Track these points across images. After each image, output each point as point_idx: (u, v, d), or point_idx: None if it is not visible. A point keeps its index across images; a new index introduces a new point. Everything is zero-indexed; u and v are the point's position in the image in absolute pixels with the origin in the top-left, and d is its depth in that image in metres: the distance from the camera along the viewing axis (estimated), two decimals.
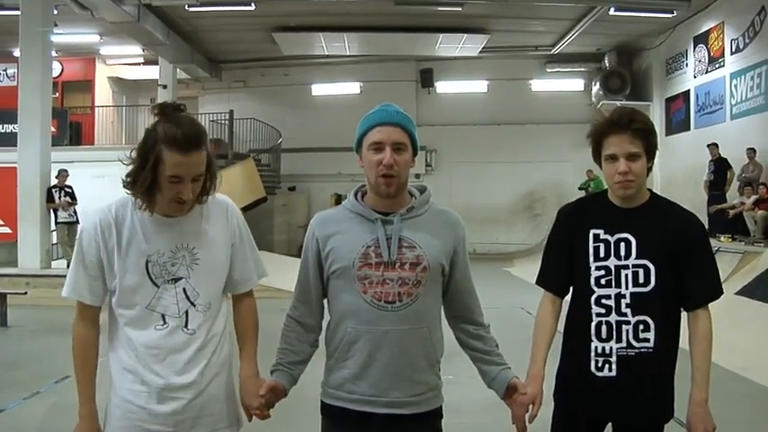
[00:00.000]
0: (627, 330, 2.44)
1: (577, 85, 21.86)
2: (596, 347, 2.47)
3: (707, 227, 14.05)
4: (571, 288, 2.64)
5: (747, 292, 9.19)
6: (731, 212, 13.64)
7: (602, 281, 2.48)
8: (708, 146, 14.81)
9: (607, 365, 2.46)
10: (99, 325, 2.37)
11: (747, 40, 14.76)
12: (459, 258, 2.49)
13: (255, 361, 2.49)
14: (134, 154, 2.24)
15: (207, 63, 20.95)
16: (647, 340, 2.43)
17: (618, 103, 18.91)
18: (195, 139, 2.22)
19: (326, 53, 19.87)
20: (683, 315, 2.52)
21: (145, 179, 2.21)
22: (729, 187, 14.34)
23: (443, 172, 21.46)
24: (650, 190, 2.57)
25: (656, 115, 19.49)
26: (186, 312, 2.31)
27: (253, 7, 15.33)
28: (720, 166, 14.46)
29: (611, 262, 2.47)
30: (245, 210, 15.32)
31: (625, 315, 2.44)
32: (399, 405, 2.36)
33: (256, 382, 2.41)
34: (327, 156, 20.09)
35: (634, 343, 2.43)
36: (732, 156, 14.38)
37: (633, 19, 16.74)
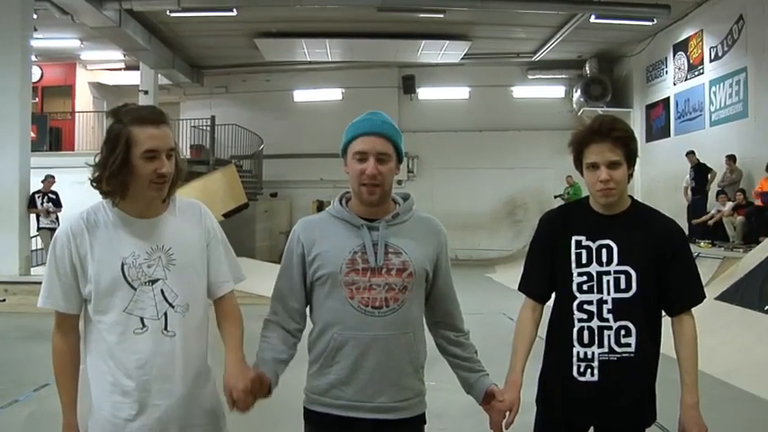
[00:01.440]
0: (609, 335, 2.45)
1: (558, 91, 21.97)
2: (578, 352, 2.49)
3: (687, 233, 14.18)
4: (553, 294, 2.65)
5: (727, 296, 9.25)
6: (710, 222, 13.77)
7: (584, 287, 2.49)
8: (686, 154, 14.94)
9: (589, 370, 2.48)
10: (78, 333, 2.34)
11: (726, 48, 14.94)
12: (442, 265, 2.51)
13: (241, 349, 2.41)
14: (100, 153, 2.25)
15: (188, 69, 20.86)
16: (629, 345, 2.44)
17: (599, 110, 19.15)
18: (161, 114, 2.28)
19: (308, 59, 19.90)
20: (665, 321, 2.54)
21: (113, 164, 2.20)
22: (710, 187, 14.47)
23: (425, 178, 21.50)
24: (631, 197, 2.59)
25: (637, 122, 19.66)
26: (165, 314, 2.27)
27: (235, 13, 15.30)
28: (700, 171, 14.59)
29: (593, 268, 2.49)
30: (226, 216, 15.27)
31: (607, 320, 2.45)
32: (386, 410, 2.36)
33: (244, 367, 2.34)
34: (309, 162, 20.09)
35: (616, 348, 2.45)
36: (711, 162, 14.52)
37: (614, 27, 16.89)
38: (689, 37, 16.61)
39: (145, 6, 14.78)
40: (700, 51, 16.14)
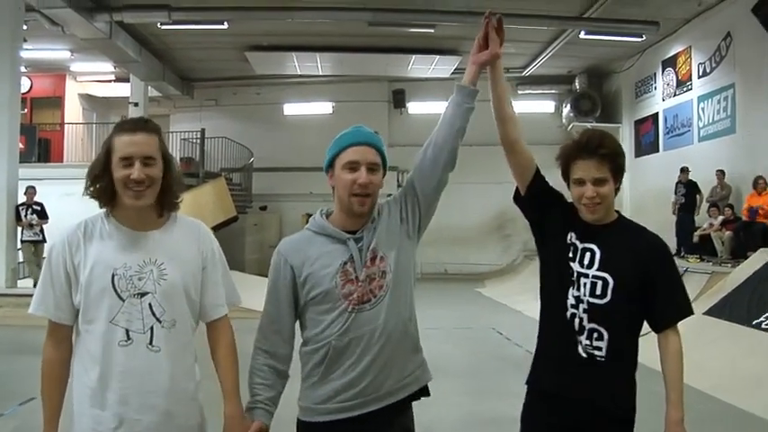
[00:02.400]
0: (585, 330, 2.50)
1: (548, 106, 22.07)
2: (573, 336, 2.52)
3: (676, 248, 14.26)
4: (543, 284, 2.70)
5: (715, 312, 9.29)
6: (697, 234, 13.84)
7: (571, 278, 2.55)
8: (681, 170, 14.97)
9: (584, 352, 2.51)
10: (70, 346, 2.33)
11: (714, 65, 15.07)
12: (406, 185, 2.61)
13: (239, 398, 2.41)
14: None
15: (179, 81, 20.86)
16: (600, 349, 2.48)
17: (588, 125, 19.24)
18: (142, 122, 2.32)
19: (299, 73, 19.91)
20: (645, 338, 2.57)
21: (96, 169, 2.27)
22: (699, 211, 14.54)
23: None
24: (617, 212, 2.63)
25: (626, 137, 19.77)
26: (151, 328, 2.26)
27: (226, 26, 15.33)
28: (691, 189, 14.65)
29: (576, 267, 2.55)
30: (215, 229, 15.23)
31: (582, 319, 2.50)
32: (395, 392, 2.41)
33: (242, 424, 2.35)
34: (299, 175, 20.05)
35: (589, 344, 2.49)
36: (700, 177, 14.60)
37: (603, 42, 16.98)
38: (677, 53, 16.76)
39: (136, 18, 14.78)
40: (688, 67, 16.29)
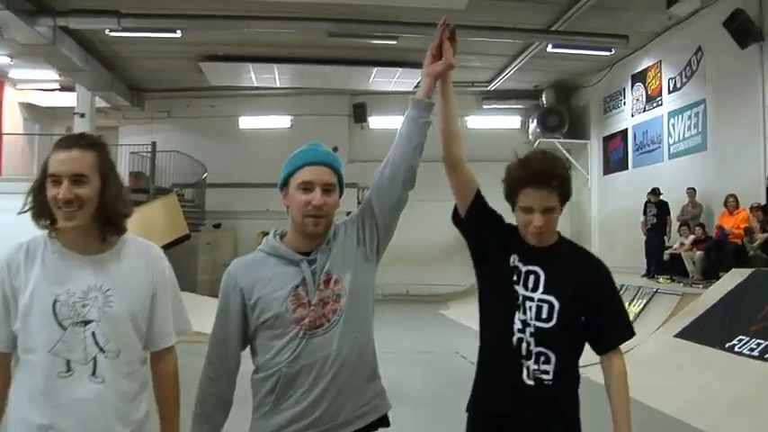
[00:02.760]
0: (533, 355, 2.55)
1: (514, 122, 22.30)
2: (519, 361, 2.56)
3: (646, 268, 14.44)
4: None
5: (686, 334, 9.41)
6: (667, 252, 14.02)
7: (517, 302, 2.59)
8: (650, 191, 15.04)
9: (529, 378, 2.55)
10: (9, 374, 2.27)
11: (684, 80, 15.36)
12: (364, 207, 2.59)
13: None
14: None
15: (128, 91, 20.64)
16: (547, 372, 2.53)
17: (556, 141, 19.49)
18: (78, 137, 2.26)
19: (256, 84, 19.87)
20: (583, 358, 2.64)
21: (33, 187, 2.23)
22: (670, 233, 14.71)
23: None
24: (558, 233, 2.70)
25: (594, 154, 20.06)
26: (94, 359, 2.21)
27: (179, 35, 15.21)
28: (662, 210, 14.82)
29: (521, 290, 2.59)
30: (166, 248, 15.01)
31: (529, 343, 2.54)
32: (352, 422, 2.38)
33: None
34: (255, 192, 19.92)
35: (537, 368, 2.54)
36: (670, 195, 14.80)
37: (571, 56, 17.21)
38: (647, 68, 17.05)
39: (82, 24, 14.55)
40: (658, 82, 16.57)
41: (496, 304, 2.63)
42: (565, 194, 2.57)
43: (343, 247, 2.48)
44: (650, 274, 14.32)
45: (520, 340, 2.54)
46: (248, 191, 20.65)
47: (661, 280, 13.18)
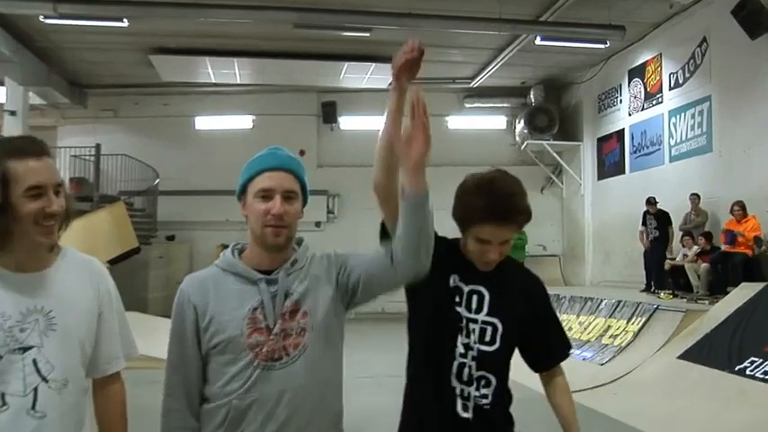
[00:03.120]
0: (474, 379, 2.65)
1: (500, 122, 22.40)
2: (458, 388, 2.64)
3: (645, 282, 14.51)
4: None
5: (691, 355, 9.42)
6: (668, 262, 14.10)
7: (459, 325, 2.67)
8: (646, 203, 15.15)
9: (466, 407, 2.65)
10: None
11: (688, 74, 15.46)
12: (347, 268, 2.50)
13: None
14: None
15: (68, 87, 20.35)
16: (486, 396, 2.66)
17: (545, 143, 19.60)
18: (41, 144, 2.21)
19: (213, 81, 19.76)
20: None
21: None
22: (672, 246, 14.79)
23: (348, 219, 21.38)
24: None
25: (587, 157, 20.19)
26: (35, 390, 2.14)
27: (126, 24, 15.05)
28: (663, 221, 14.86)
29: (463, 312, 2.67)
30: (112, 262, 14.88)
31: (471, 368, 2.64)
32: None
33: None
34: (213, 200, 19.77)
35: (477, 394, 2.65)
36: (672, 203, 14.93)
37: (561, 50, 17.31)
38: (646, 62, 17.17)
39: (10, 9, 14.14)
40: (658, 78, 16.69)
41: (436, 329, 2.68)
42: (522, 224, 2.67)
43: (317, 280, 2.46)
44: (650, 288, 14.42)
45: (461, 366, 2.63)
46: (206, 199, 20.49)
47: (662, 295, 13.26)
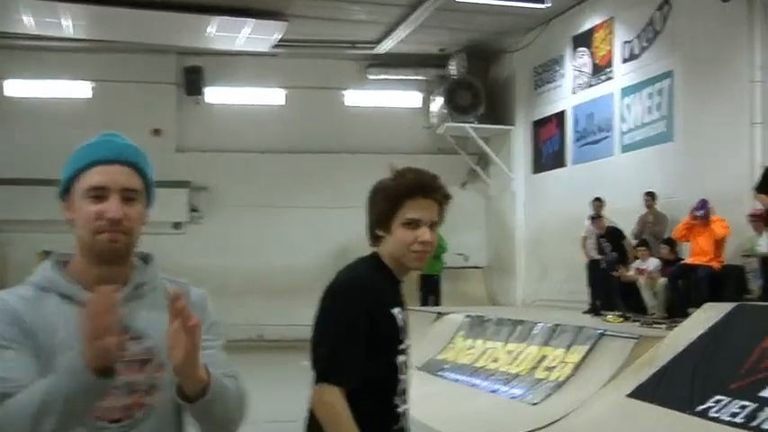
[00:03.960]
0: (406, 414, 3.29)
1: (412, 99, 22.49)
2: (396, 406, 3.23)
3: (589, 301, 14.66)
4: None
5: (644, 393, 9.56)
6: (616, 273, 14.36)
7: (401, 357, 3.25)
8: (591, 218, 15.38)
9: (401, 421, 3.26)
10: None
11: (645, 44, 15.79)
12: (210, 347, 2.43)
13: None
14: None
15: None
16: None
17: (468, 127, 19.70)
18: None
19: (33, 32, 19.15)
20: None
21: None
22: (629, 262, 14.82)
23: (217, 219, 21.28)
24: None
25: (520, 144, 20.49)
26: None
27: None
28: (613, 236, 15.02)
29: (405, 344, 3.28)
30: None
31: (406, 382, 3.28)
32: None
33: None
34: (34, 191, 19.23)
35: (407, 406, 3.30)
36: (623, 203, 15.25)
37: (489, 9, 17.51)
38: (594, 27, 17.45)
39: None
40: (608, 48, 16.99)
41: (381, 372, 3.19)
42: (442, 214, 3.19)
43: (164, 309, 2.28)
44: (596, 309, 14.66)
45: (402, 383, 3.23)
46: (22, 191, 19.98)
47: (610, 318, 13.43)
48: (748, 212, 12.51)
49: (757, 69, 13.18)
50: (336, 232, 21.42)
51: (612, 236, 15.08)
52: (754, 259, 12.56)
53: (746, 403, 8.18)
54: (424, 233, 3.10)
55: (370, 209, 3.24)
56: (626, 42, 16.40)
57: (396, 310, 3.22)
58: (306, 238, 21.43)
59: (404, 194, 3.10)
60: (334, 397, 3.00)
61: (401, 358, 3.24)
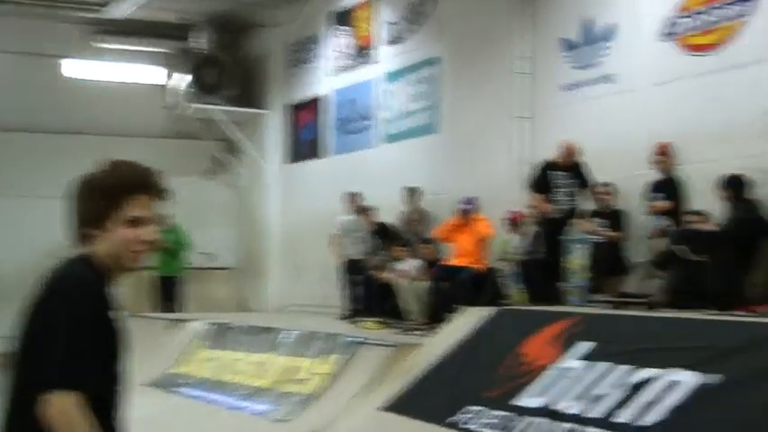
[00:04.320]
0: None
1: (151, 74, 21.94)
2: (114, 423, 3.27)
3: (348, 308, 14.77)
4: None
5: (398, 405, 9.71)
6: (370, 272, 14.63)
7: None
8: (350, 198, 15.65)
9: None
10: None
11: (411, 26, 16.08)
12: None
13: None
14: None
15: None
16: None
17: (215, 109, 19.48)
18: None
19: None
20: None
21: None
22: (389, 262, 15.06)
23: None
24: None
25: (274, 131, 20.59)
26: None
27: None
28: (387, 235, 15.21)
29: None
30: None
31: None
32: None
33: None
34: None
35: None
36: (385, 199, 15.49)
37: None
38: (356, 5, 17.67)
39: None
40: (372, 28, 17.22)
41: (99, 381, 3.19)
42: (164, 195, 3.26)
43: None
44: (353, 316, 14.83)
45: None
46: None
47: (369, 324, 13.56)
48: (506, 214, 13.00)
49: (517, 60, 13.68)
50: (52, 228, 20.51)
51: (385, 233, 15.30)
52: (512, 263, 13.05)
53: (502, 413, 8.39)
54: (149, 231, 3.16)
55: (80, 205, 3.21)
56: (391, 24, 16.66)
57: (113, 314, 3.20)
58: (12, 235, 20.39)
59: (124, 191, 3.12)
60: (75, 405, 2.95)
61: (119, 367, 3.26)
